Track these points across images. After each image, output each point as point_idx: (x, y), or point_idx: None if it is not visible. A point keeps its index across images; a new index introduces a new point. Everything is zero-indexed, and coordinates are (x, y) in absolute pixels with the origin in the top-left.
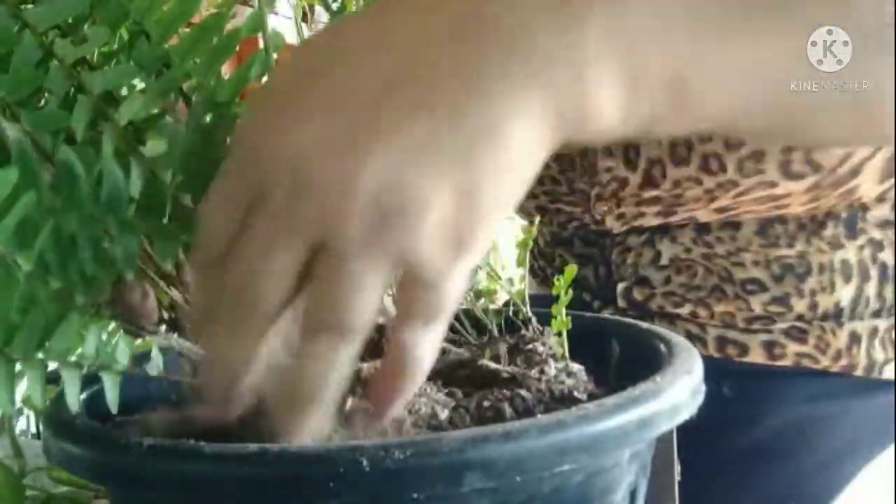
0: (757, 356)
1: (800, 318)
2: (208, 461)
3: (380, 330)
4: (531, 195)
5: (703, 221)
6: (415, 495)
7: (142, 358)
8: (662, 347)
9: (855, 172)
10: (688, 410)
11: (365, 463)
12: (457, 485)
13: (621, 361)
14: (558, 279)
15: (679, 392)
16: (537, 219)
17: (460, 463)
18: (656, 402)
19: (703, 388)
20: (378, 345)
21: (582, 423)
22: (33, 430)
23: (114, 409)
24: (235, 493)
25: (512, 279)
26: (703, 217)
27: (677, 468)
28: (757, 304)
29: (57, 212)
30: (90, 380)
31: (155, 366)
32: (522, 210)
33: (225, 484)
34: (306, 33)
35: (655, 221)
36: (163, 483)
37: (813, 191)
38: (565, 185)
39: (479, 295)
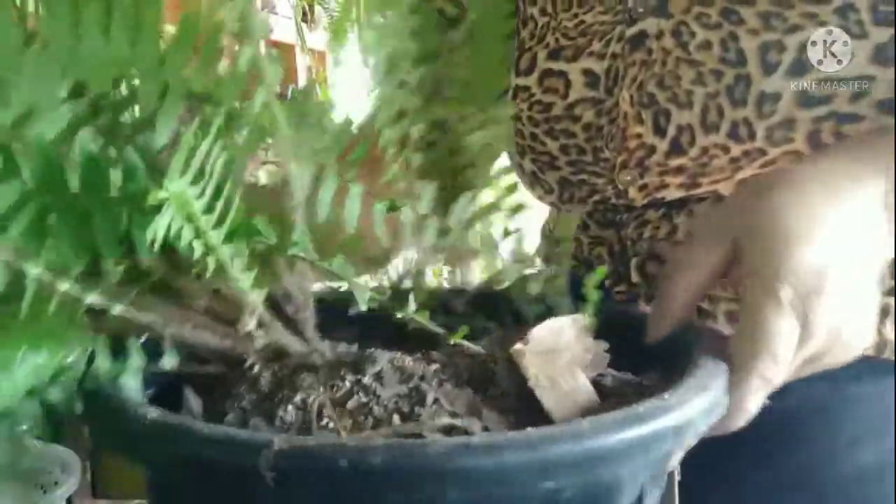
0: None
1: None
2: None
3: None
4: (555, 167)
5: (723, 196)
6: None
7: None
8: (689, 352)
9: None
10: (695, 431)
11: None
12: (438, 493)
13: (650, 356)
14: (587, 280)
15: (688, 411)
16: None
17: (440, 472)
18: (659, 422)
19: (720, 403)
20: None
21: (571, 441)
22: None
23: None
24: (230, 477)
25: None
26: (725, 190)
27: (677, 467)
28: None
29: (79, 198)
30: None
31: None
32: (544, 185)
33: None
34: (306, 33)
35: (678, 193)
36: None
37: None
38: (591, 153)
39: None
